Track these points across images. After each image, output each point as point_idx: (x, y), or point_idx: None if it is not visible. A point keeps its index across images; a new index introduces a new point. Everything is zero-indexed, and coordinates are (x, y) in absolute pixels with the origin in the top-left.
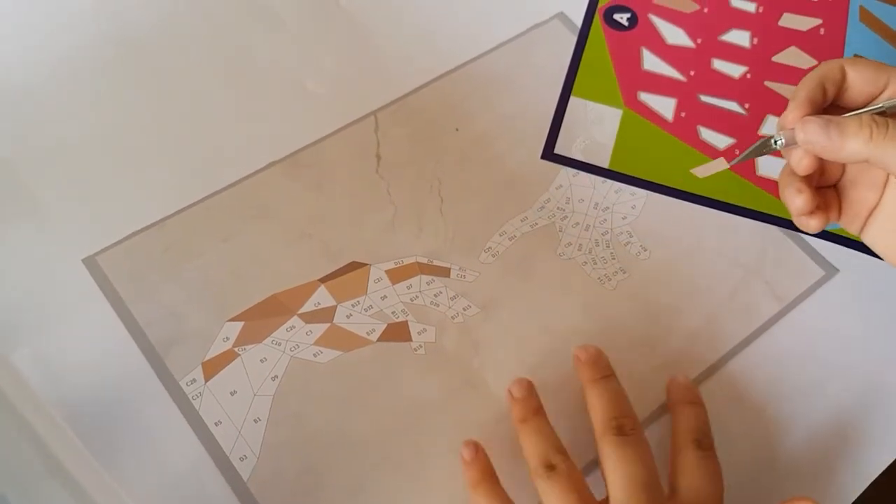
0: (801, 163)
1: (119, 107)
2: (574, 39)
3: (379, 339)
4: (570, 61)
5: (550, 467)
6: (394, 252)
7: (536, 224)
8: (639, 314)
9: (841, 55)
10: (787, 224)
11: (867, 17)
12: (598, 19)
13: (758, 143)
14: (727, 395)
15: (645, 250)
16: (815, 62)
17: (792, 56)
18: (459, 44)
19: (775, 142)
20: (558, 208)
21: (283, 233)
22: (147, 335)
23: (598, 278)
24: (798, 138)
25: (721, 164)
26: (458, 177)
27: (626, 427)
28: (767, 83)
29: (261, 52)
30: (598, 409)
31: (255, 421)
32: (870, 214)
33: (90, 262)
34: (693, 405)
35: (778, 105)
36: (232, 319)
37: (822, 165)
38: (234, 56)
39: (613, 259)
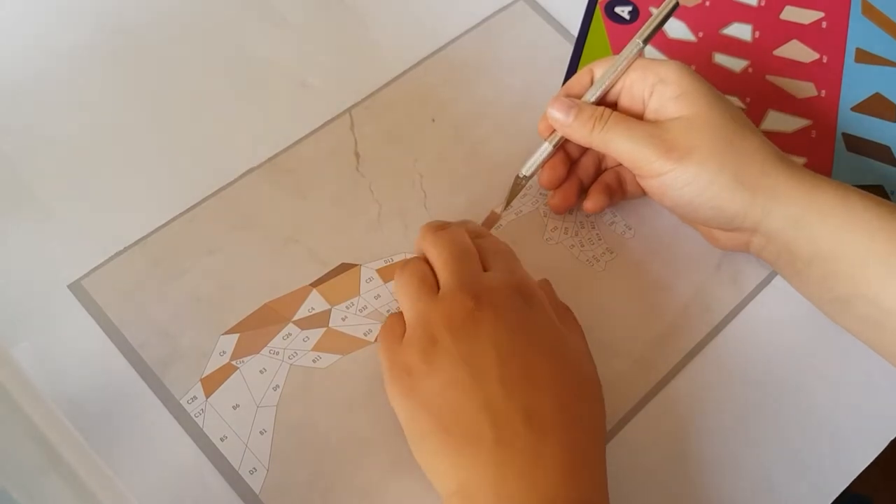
0: (543, 175)
1: (92, 121)
2: (541, 21)
3: (377, 339)
4: (570, 56)
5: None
6: (382, 250)
7: (521, 211)
8: (630, 293)
9: (843, 48)
10: None
11: (869, 10)
12: (599, 12)
13: (512, 184)
14: (721, 366)
15: (629, 229)
16: (816, 55)
17: (793, 49)
18: (426, 33)
19: (522, 175)
20: (541, 193)
21: (268, 240)
22: (142, 357)
23: (587, 260)
24: (548, 111)
25: (494, 216)
26: (439, 169)
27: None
28: (769, 77)
29: (229, 57)
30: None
31: (261, 433)
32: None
33: (76, 287)
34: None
35: (779, 99)
36: (227, 333)
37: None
38: (204, 63)
39: (600, 240)
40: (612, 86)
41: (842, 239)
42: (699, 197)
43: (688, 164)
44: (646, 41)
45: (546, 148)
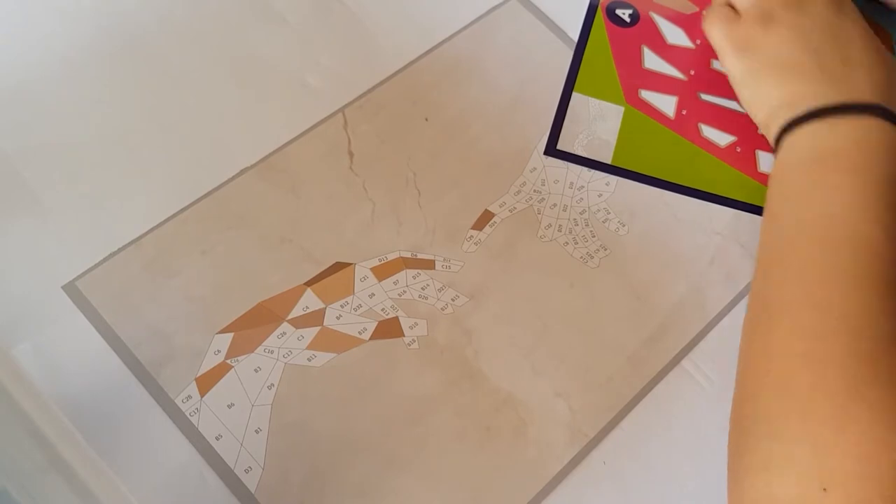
0: None
1: (84, 121)
2: (533, 19)
3: (371, 338)
4: (572, 58)
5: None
6: (377, 249)
7: (515, 209)
8: (624, 289)
9: None
10: None
11: None
12: (600, 13)
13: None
14: (716, 360)
15: (623, 226)
16: None
17: None
18: (419, 32)
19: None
20: (535, 191)
21: (262, 239)
22: (137, 357)
23: (581, 257)
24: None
25: (488, 215)
26: (433, 168)
27: None
28: None
29: (222, 57)
30: None
31: (256, 431)
32: None
33: (70, 288)
34: None
35: None
36: (221, 332)
37: None
38: (197, 63)
39: (594, 237)
40: None
41: None
42: None
43: None
44: None
45: None
